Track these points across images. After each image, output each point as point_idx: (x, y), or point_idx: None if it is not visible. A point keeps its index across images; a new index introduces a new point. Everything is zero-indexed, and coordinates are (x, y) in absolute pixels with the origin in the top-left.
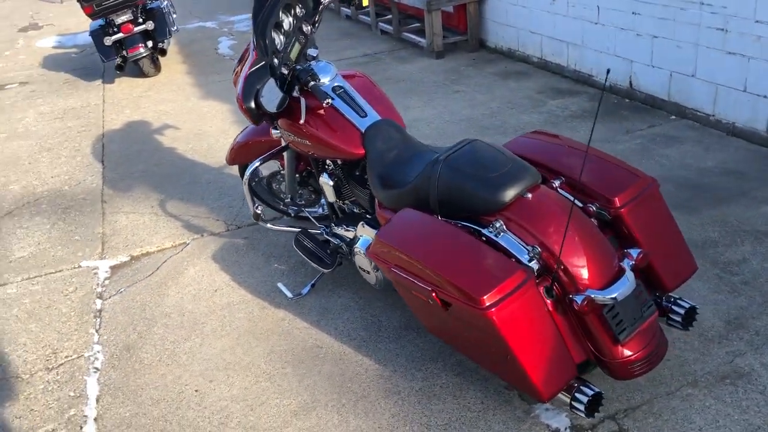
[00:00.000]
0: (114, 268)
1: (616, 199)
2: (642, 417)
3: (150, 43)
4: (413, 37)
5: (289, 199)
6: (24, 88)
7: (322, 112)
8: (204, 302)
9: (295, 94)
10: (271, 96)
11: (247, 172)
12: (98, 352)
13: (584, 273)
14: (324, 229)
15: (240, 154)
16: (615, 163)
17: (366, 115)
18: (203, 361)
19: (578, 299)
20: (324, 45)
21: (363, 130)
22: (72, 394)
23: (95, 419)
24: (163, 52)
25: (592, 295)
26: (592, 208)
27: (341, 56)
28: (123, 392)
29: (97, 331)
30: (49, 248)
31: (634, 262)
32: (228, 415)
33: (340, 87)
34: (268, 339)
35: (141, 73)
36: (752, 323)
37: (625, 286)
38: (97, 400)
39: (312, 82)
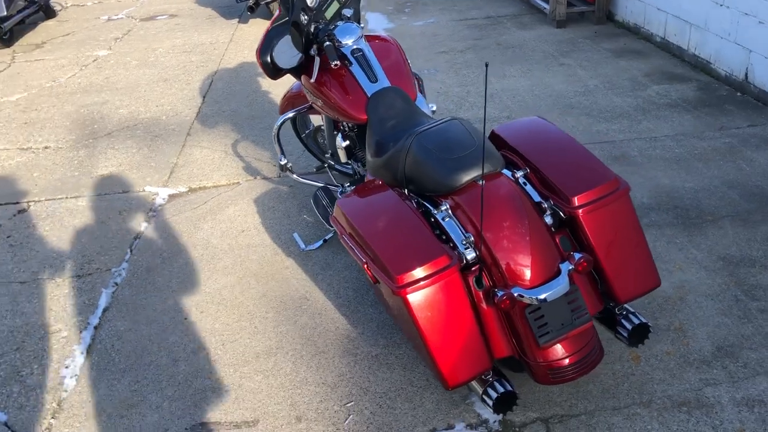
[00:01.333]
0: (171, 197)
1: (575, 198)
2: (575, 426)
3: None
4: (540, 2)
5: (328, 154)
6: (171, 21)
7: (335, 73)
8: (228, 240)
9: (313, 53)
10: (284, 53)
11: (276, 123)
12: (123, 269)
13: (515, 268)
14: (340, 189)
15: (288, 105)
16: (589, 162)
17: (377, 81)
18: (204, 293)
19: (499, 294)
20: (451, 4)
21: (369, 96)
22: (86, 302)
23: (95, 327)
24: None
25: (515, 293)
26: (545, 204)
27: (465, 16)
28: (127, 308)
29: (131, 250)
30: (126, 170)
31: (573, 267)
32: (201, 346)
33: (359, 50)
34: (267, 283)
35: (270, 16)
36: (745, 354)
37: (554, 289)
38: (103, 312)
39: (327, 42)
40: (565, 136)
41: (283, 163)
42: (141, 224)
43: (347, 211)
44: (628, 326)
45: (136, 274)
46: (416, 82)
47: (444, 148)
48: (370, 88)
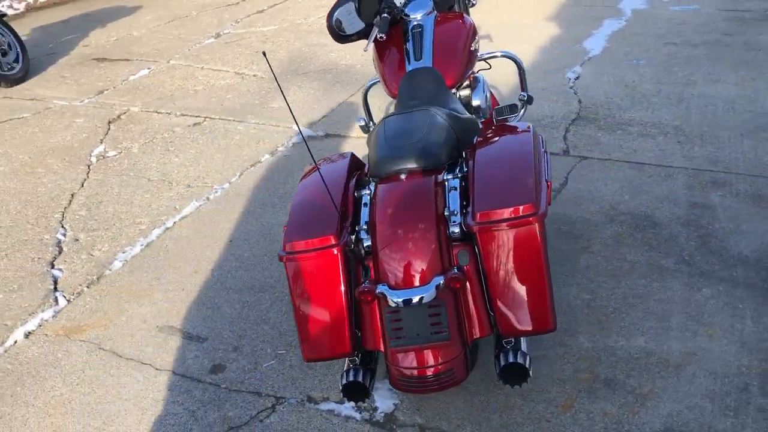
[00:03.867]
0: (308, 138)
1: (478, 214)
2: None
3: None
4: None
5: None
6: None
7: (391, 45)
8: None
9: (375, 22)
10: (345, 19)
11: (366, 85)
12: (222, 189)
13: (387, 267)
14: None
15: None
16: (522, 182)
17: (420, 59)
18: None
19: (362, 286)
20: None
21: (406, 72)
22: (175, 207)
23: (166, 228)
24: None
25: (378, 290)
26: (446, 212)
27: (737, 6)
28: (200, 221)
29: (239, 177)
30: (293, 106)
31: (443, 281)
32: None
33: (420, 26)
34: None
35: None
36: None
37: (414, 296)
38: (181, 219)
39: (384, 14)
40: (527, 149)
41: (361, 124)
42: (263, 156)
43: (301, 180)
44: (502, 362)
45: (227, 196)
46: (464, 68)
47: (394, 134)
48: (410, 66)
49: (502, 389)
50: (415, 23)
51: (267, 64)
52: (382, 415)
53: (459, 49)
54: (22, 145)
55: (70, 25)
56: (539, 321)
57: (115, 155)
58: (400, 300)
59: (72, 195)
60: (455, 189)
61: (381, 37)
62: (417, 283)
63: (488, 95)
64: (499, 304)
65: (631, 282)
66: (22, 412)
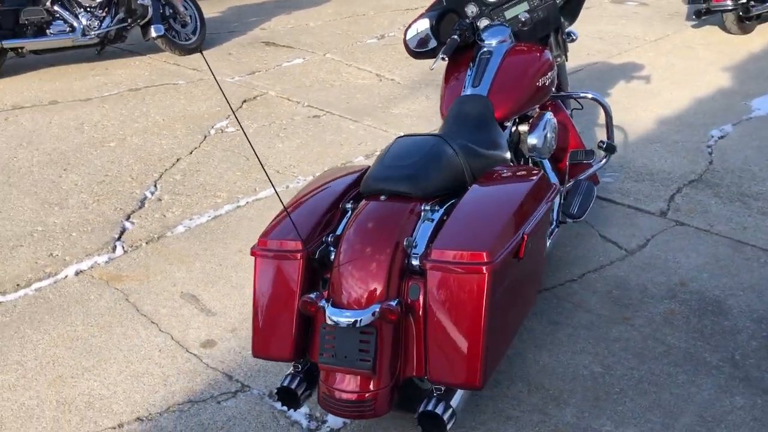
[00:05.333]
0: None
1: (433, 250)
2: None
3: None
4: None
5: None
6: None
7: (459, 67)
8: None
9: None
10: (417, 37)
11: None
12: (303, 180)
13: (336, 283)
14: None
15: None
16: (488, 226)
17: (478, 86)
18: None
19: (307, 296)
20: None
21: (460, 97)
22: (254, 189)
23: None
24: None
25: (320, 303)
26: (406, 242)
27: None
28: (263, 209)
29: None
30: (412, 115)
31: (378, 309)
32: None
33: (489, 53)
34: None
35: (724, 28)
36: None
37: (346, 317)
38: (246, 203)
39: (454, 36)
40: (514, 196)
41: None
42: (357, 157)
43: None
44: (421, 407)
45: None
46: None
47: (393, 155)
48: (465, 91)
49: None
50: (486, 49)
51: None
52: (328, 429)
53: (521, 82)
54: (164, 107)
55: (261, 8)
56: (465, 376)
57: (232, 131)
58: (334, 318)
59: (177, 159)
60: (431, 221)
61: (443, 58)
62: (356, 306)
63: (549, 135)
64: (432, 347)
65: (656, 367)
66: (38, 337)
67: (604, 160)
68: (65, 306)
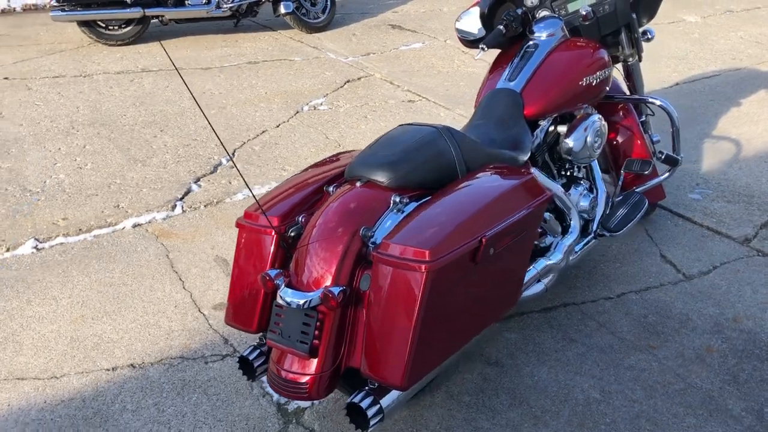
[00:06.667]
0: None
1: (383, 243)
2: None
3: None
4: None
5: None
6: None
7: (503, 58)
8: None
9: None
10: (471, 24)
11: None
12: None
13: (294, 263)
14: None
15: None
16: (443, 227)
17: (514, 81)
18: None
19: (268, 271)
20: None
21: (493, 89)
22: None
23: None
24: None
25: (276, 280)
26: (363, 231)
27: None
28: None
29: None
30: None
31: (320, 295)
32: None
33: (535, 46)
34: None
35: None
36: None
37: (290, 297)
38: None
39: (500, 26)
40: (482, 197)
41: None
42: None
43: None
44: (350, 397)
45: None
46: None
47: (382, 142)
48: (501, 84)
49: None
50: (532, 43)
51: (166, 53)
52: (295, 407)
53: (561, 79)
54: (272, 81)
55: None
56: (390, 373)
57: (324, 110)
58: (283, 297)
59: (263, 131)
60: (400, 213)
61: (483, 49)
62: (306, 288)
63: (590, 139)
64: (368, 340)
65: (663, 405)
66: (80, 279)
67: (666, 174)
68: (113, 254)
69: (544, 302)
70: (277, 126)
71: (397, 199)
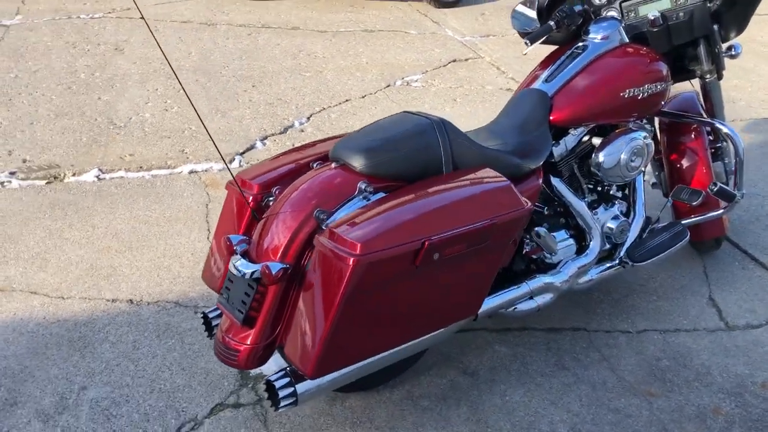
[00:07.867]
0: None
1: (327, 229)
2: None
3: None
4: None
5: None
6: None
7: (551, 56)
8: None
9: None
10: (521, 16)
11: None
12: None
13: (254, 232)
14: None
15: None
16: (388, 222)
17: (550, 82)
18: None
19: (229, 236)
20: None
21: (525, 89)
22: None
23: None
24: None
25: (236, 247)
26: (317, 212)
27: None
28: None
29: None
30: None
31: (259, 268)
32: None
33: (584, 47)
34: None
35: None
36: None
37: (237, 265)
38: None
39: (550, 22)
40: (442, 200)
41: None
42: None
43: None
44: (269, 376)
45: None
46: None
47: (373, 128)
48: (537, 83)
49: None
50: (582, 44)
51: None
52: (257, 372)
53: (600, 88)
54: (378, 52)
55: None
56: (301, 359)
57: (416, 87)
58: (232, 264)
59: (346, 100)
60: (365, 200)
61: (526, 43)
62: (256, 260)
63: (625, 157)
64: (289, 320)
65: None
66: (122, 212)
67: (721, 210)
68: (161, 195)
69: (551, 321)
70: (363, 97)
71: (363, 186)
